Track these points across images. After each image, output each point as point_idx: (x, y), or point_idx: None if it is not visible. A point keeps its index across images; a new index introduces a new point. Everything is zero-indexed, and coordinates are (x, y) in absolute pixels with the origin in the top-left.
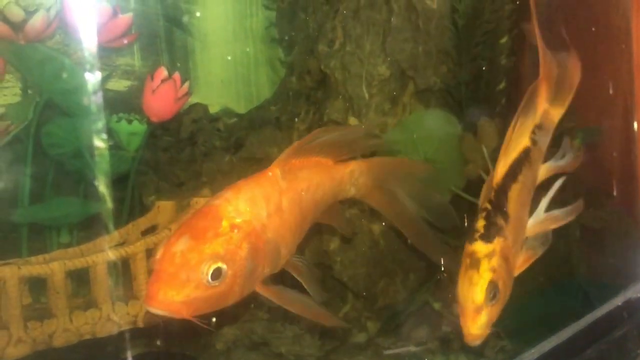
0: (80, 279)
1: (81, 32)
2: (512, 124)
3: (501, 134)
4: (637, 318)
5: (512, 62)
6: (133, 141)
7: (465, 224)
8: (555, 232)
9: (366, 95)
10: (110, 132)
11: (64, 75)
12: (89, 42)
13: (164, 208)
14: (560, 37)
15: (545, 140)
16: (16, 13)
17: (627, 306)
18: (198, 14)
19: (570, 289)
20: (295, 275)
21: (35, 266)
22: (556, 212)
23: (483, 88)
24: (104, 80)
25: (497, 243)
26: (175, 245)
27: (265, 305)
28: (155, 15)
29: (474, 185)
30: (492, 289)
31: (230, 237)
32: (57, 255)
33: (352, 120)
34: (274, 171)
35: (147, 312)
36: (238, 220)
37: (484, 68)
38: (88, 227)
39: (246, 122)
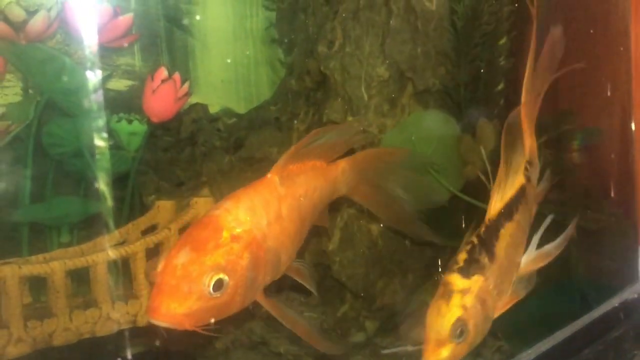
0: (80, 278)
1: (82, 33)
2: (502, 158)
3: (499, 135)
4: (633, 319)
5: (510, 64)
6: (133, 141)
7: (463, 225)
8: (553, 233)
9: (365, 96)
10: (111, 132)
11: (65, 75)
12: (89, 42)
13: (163, 208)
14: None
15: (535, 177)
16: (17, 13)
17: (624, 307)
18: (198, 17)
19: (568, 290)
20: (297, 279)
21: (36, 265)
22: (547, 247)
23: (482, 89)
24: (105, 80)
25: (475, 281)
26: (176, 257)
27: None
28: (155, 16)
29: (473, 186)
30: (459, 327)
31: (231, 248)
32: (57, 255)
33: None
34: (272, 178)
35: None
36: (238, 230)
37: (482, 69)
38: (88, 227)
39: (246, 122)
